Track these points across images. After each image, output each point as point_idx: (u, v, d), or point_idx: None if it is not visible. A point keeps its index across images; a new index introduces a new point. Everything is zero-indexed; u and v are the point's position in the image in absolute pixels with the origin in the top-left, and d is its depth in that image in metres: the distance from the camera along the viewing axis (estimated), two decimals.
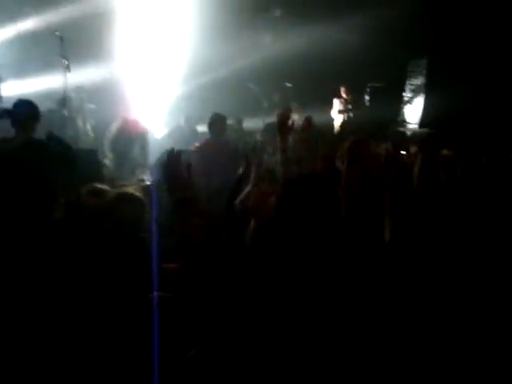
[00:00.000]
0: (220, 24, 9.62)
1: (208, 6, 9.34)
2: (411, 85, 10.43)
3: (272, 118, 8.40)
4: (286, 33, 10.55)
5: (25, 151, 3.52)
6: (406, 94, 10.50)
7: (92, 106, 8.68)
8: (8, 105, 6.35)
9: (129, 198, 2.53)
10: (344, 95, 8.88)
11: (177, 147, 6.36)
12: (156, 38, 9.55)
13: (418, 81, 10.30)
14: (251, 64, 9.82)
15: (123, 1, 9.44)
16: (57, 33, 7.21)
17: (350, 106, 8.81)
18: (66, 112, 7.10)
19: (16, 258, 1.97)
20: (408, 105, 10.50)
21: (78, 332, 1.87)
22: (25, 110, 3.88)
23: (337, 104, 8.94)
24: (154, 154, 5.45)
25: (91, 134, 8.18)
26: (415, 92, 10.34)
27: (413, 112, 10.43)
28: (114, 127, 5.28)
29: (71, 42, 7.46)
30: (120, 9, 9.44)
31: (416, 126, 10.08)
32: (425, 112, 10.17)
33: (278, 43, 10.65)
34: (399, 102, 10.64)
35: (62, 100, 7.10)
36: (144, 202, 2.55)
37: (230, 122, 6.48)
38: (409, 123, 10.31)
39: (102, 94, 8.83)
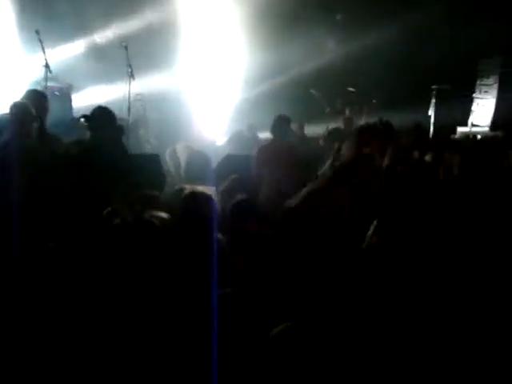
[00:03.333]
0: (282, 29, 9.61)
1: (270, 12, 9.34)
2: (482, 85, 9.90)
3: (334, 124, 8.26)
4: (348, 37, 10.38)
5: (92, 154, 3.66)
6: (476, 95, 9.97)
7: (154, 114, 8.88)
8: (78, 114, 6.63)
9: (205, 196, 2.54)
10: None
11: (237, 152, 6.41)
12: (218, 46, 9.67)
13: (490, 81, 9.76)
14: (313, 69, 9.72)
15: (185, 11, 9.64)
16: (123, 43, 7.45)
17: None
18: (129, 119, 7.28)
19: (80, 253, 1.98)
20: (478, 106, 9.96)
21: (145, 325, 1.84)
22: (100, 116, 4.16)
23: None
24: (215, 160, 5.47)
25: (153, 141, 8.35)
26: (486, 93, 9.80)
27: (483, 114, 9.89)
28: (182, 152, 5.39)
29: (136, 52, 7.69)
30: (182, 19, 9.64)
31: (487, 129, 9.54)
32: (497, 113, 9.61)
33: (340, 48, 10.49)
34: (468, 104, 10.14)
35: (127, 108, 7.31)
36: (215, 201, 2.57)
37: (292, 127, 6.37)
38: (479, 126, 9.78)
39: (165, 102, 9.02)
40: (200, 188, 2.65)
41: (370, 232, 2.10)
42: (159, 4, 9.33)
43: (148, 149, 8.08)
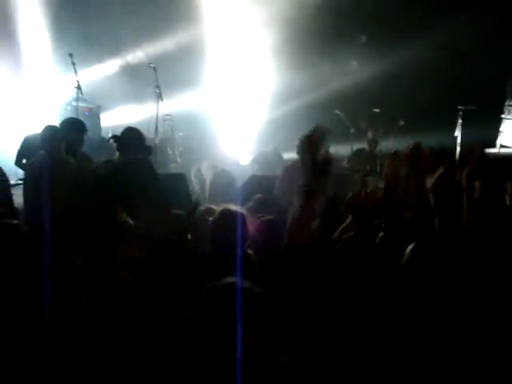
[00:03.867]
0: (306, 51, 9.70)
1: (295, 34, 9.45)
2: (510, 106, 9.76)
3: (359, 145, 8.23)
4: (372, 58, 10.40)
5: (120, 173, 3.73)
6: (505, 116, 9.83)
7: (180, 134, 9.01)
8: (106, 134, 6.76)
9: (233, 213, 2.58)
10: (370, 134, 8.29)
11: (261, 173, 6.44)
12: (245, 67, 9.80)
13: None
14: (338, 90, 9.74)
15: (213, 32, 9.83)
16: (151, 64, 7.62)
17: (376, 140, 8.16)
18: (156, 139, 7.41)
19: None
20: (507, 127, 9.81)
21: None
22: (129, 137, 4.25)
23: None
24: (240, 180, 5.51)
25: (179, 160, 8.46)
26: None
27: None
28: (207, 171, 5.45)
29: (165, 73, 7.84)
30: (210, 40, 9.83)
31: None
32: None
33: (365, 69, 10.51)
34: (496, 126, 9.99)
35: (154, 128, 7.44)
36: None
37: None
38: (508, 147, 9.62)
39: (193, 122, 9.16)
40: (231, 206, 2.69)
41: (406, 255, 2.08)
42: (188, 25, 9.54)
43: (174, 168, 8.19)
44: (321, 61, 9.83)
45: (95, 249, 2.34)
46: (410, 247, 2.10)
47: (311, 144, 2.70)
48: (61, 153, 4.05)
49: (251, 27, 9.73)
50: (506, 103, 9.84)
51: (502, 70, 9.54)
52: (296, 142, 5.58)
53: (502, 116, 9.89)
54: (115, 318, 1.98)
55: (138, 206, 2.77)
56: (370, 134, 8.23)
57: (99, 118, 8.47)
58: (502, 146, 9.77)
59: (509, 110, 9.79)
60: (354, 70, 10.95)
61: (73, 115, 6.56)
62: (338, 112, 9.06)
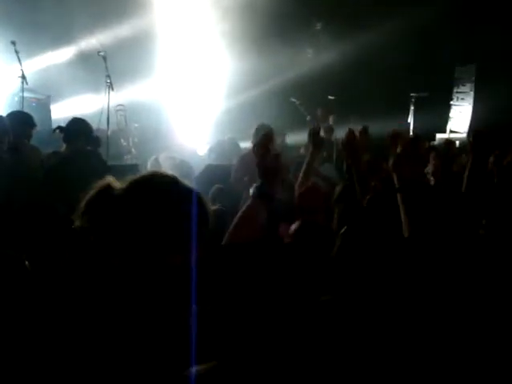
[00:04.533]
0: (262, 39, 9.66)
1: (249, 22, 9.39)
2: (459, 93, 10.09)
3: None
4: (328, 45, 10.49)
5: (67, 165, 3.65)
6: (454, 103, 10.16)
7: (136, 125, 8.84)
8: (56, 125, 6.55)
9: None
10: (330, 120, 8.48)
11: (217, 162, 6.40)
12: (199, 56, 9.68)
13: (466, 88, 9.96)
14: (294, 78, 9.77)
15: (165, 21, 9.64)
16: (101, 53, 7.41)
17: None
18: (109, 131, 7.24)
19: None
20: (455, 113, 10.15)
21: None
22: (76, 128, 4.19)
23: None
24: (197, 170, 5.47)
25: (134, 151, 8.31)
26: (463, 100, 9.99)
27: (461, 121, 10.07)
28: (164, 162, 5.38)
29: (115, 62, 7.64)
30: (163, 29, 9.64)
31: (464, 136, 9.70)
32: (473, 120, 9.80)
33: (321, 56, 10.59)
34: (446, 111, 10.31)
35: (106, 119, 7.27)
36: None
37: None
38: (457, 132, 9.95)
39: (147, 112, 8.99)
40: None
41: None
42: (141, 12, 9.32)
43: (129, 159, 8.03)
44: (276, 49, 9.82)
45: (41, 243, 2.26)
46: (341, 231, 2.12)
47: (262, 150, 2.82)
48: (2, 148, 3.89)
49: (205, 15, 9.61)
50: (455, 90, 10.16)
51: (451, 57, 9.83)
52: (252, 130, 5.62)
53: (451, 103, 10.21)
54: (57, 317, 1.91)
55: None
56: (330, 120, 8.34)
57: (49, 109, 8.20)
58: (451, 132, 10.10)
59: (457, 97, 10.12)
60: (310, 58, 11.01)
61: (20, 107, 6.33)
62: (294, 100, 9.11)
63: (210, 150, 7.58)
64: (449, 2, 9.42)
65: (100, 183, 1.44)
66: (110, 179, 1.44)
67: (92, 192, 1.43)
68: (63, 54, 9.34)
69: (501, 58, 9.16)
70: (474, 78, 9.89)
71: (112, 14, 9.03)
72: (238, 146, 7.57)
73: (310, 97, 9.79)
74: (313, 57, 11.04)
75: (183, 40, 9.60)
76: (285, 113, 9.49)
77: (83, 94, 8.90)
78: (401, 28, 9.48)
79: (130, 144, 8.40)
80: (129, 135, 8.48)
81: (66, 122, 4.34)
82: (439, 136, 9.73)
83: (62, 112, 8.47)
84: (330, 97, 9.57)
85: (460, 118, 10.14)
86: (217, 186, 4.06)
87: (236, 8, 9.44)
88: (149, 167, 6.10)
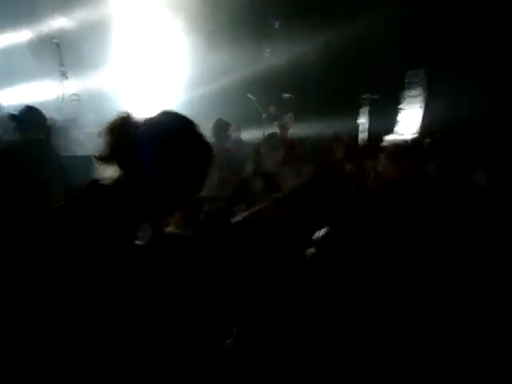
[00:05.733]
0: (219, 36, 9.65)
1: (207, 18, 9.37)
2: (409, 96, 10.46)
3: (271, 129, 8.42)
4: (285, 44, 10.61)
5: (19, 151, 3.60)
6: (404, 106, 10.52)
7: (91, 115, 8.65)
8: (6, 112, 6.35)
9: None
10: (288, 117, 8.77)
11: None
12: (154, 49, 9.58)
13: (416, 91, 10.34)
14: (251, 75, 9.83)
15: (122, 10, 9.48)
16: (54, 40, 7.22)
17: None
18: (59, 120, 7.08)
19: None
20: (405, 116, 10.52)
21: None
22: (28, 117, 4.14)
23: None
24: None
25: (88, 143, 8.14)
26: (413, 103, 10.37)
27: (410, 123, 10.44)
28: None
29: (70, 50, 7.47)
30: (119, 18, 9.48)
31: (414, 137, 10.06)
32: (423, 124, 10.19)
33: (277, 54, 10.70)
34: (396, 114, 10.66)
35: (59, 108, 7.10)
36: None
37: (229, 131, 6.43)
38: (407, 135, 10.31)
39: (102, 102, 8.83)
40: None
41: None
42: (95, 1, 9.11)
43: (82, 150, 7.86)
44: (234, 45, 9.85)
45: None
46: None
47: None
48: None
49: (163, 8, 9.51)
50: (405, 94, 10.52)
51: (402, 61, 10.16)
52: (210, 125, 5.67)
53: (401, 106, 10.57)
54: None
55: (38, 188, 2.67)
56: (289, 118, 8.47)
57: None
58: (401, 134, 10.45)
59: (407, 100, 10.49)
60: (266, 55, 11.10)
61: None
62: (250, 96, 9.18)
63: None
64: (399, 9, 9.72)
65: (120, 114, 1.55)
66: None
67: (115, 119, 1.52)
68: (14, 40, 9.02)
69: (450, 62, 9.55)
70: (423, 82, 10.26)
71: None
72: None
73: (267, 94, 9.89)
74: (270, 55, 11.14)
75: (140, 31, 9.48)
76: (240, 108, 9.55)
77: (36, 82, 8.64)
78: (355, 31, 9.72)
79: (84, 135, 8.23)
80: (83, 125, 8.29)
81: (16, 109, 4.26)
82: (390, 137, 10.07)
83: (11, 99, 8.20)
84: (285, 95, 9.71)
85: (410, 120, 10.50)
86: None
87: (195, 3, 9.40)
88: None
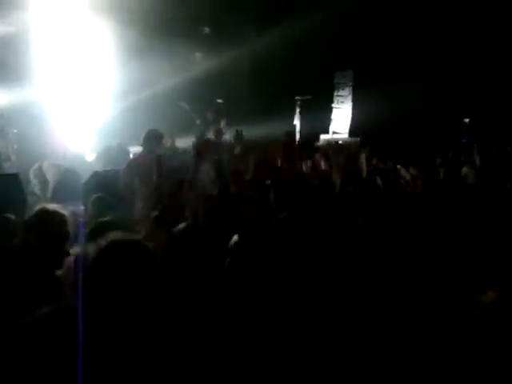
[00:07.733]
0: (150, 43, 9.53)
1: (137, 25, 9.22)
2: (338, 96, 10.81)
3: (206, 136, 8.39)
4: (216, 50, 10.63)
5: None
6: (335, 105, 10.86)
7: (14, 130, 8.27)
8: None
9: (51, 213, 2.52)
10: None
11: (107, 168, 6.24)
12: (82, 59, 9.29)
13: (345, 92, 10.70)
14: (183, 82, 9.78)
15: (45, 21, 9.13)
16: None
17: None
18: None
19: None
20: (337, 115, 10.85)
21: None
22: None
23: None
24: (85, 175, 5.29)
25: (14, 159, 7.78)
26: (343, 103, 10.72)
27: (342, 122, 10.78)
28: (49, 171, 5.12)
29: None
30: (42, 29, 9.13)
31: (346, 136, 10.41)
32: (353, 121, 10.55)
33: (209, 60, 10.70)
34: (328, 114, 10.98)
35: None
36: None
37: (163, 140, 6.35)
38: (339, 133, 10.64)
39: (25, 117, 8.45)
40: (54, 206, 2.59)
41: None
42: (13, 12, 8.71)
43: (9, 168, 7.50)
44: (166, 53, 9.76)
45: None
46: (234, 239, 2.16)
47: None
48: None
49: (88, 16, 9.26)
50: (335, 93, 10.86)
51: (332, 63, 10.48)
52: (141, 135, 5.58)
53: (333, 105, 10.90)
54: None
55: None
56: (221, 124, 8.48)
57: None
58: (334, 133, 10.78)
59: (337, 100, 10.84)
60: (198, 62, 11.07)
61: None
62: (182, 104, 9.13)
63: (98, 157, 7.34)
64: (329, 13, 10.02)
65: None
66: None
67: None
68: None
69: (376, 63, 9.95)
70: (351, 83, 10.64)
71: None
72: (127, 151, 7.41)
73: (199, 100, 9.87)
74: (201, 60, 11.13)
75: (62, 42, 9.15)
76: (173, 116, 9.46)
77: None
78: (285, 35, 9.92)
79: (10, 151, 7.85)
80: (7, 142, 7.91)
81: None
82: (323, 137, 10.35)
83: None
84: (218, 100, 9.75)
85: (341, 119, 10.85)
86: (96, 195, 3.92)
87: (121, 9, 9.22)
88: (32, 177, 5.77)
